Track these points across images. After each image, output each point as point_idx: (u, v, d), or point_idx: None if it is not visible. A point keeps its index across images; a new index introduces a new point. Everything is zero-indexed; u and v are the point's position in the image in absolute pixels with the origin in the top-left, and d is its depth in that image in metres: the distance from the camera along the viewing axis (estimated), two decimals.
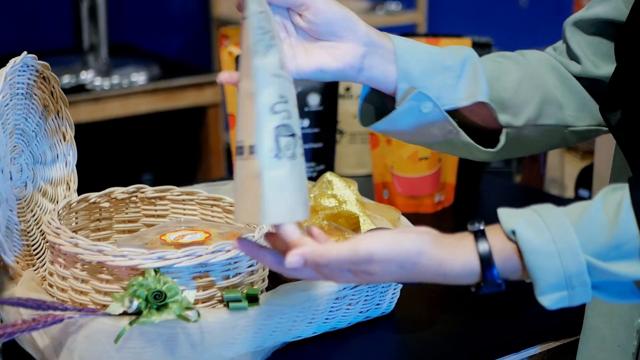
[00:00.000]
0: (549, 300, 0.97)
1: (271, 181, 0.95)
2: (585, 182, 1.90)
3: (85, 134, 2.91)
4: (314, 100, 1.67)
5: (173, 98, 2.84)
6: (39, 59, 1.25)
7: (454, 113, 1.17)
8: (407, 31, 3.09)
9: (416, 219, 1.67)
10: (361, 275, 0.97)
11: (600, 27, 1.22)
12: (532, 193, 1.90)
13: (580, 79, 1.23)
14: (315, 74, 1.11)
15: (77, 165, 1.34)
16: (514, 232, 0.96)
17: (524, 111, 1.19)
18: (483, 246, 0.98)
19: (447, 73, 1.15)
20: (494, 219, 1.76)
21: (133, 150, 3.13)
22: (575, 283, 0.96)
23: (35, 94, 1.26)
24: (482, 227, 0.99)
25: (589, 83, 1.23)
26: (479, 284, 0.99)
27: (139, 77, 2.81)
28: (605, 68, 1.21)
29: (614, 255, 0.95)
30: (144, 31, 3.37)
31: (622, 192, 0.97)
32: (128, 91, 2.76)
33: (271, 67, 1.00)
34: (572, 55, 1.24)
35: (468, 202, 1.79)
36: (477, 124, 1.21)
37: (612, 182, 1.20)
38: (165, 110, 2.84)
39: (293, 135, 1.00)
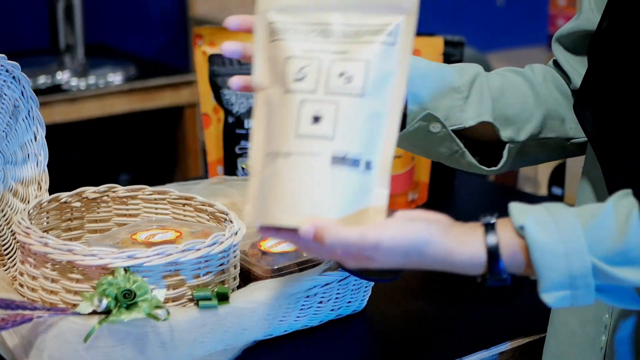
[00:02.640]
0: (551, 298, 0.97)
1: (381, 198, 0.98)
2: (558, 180, 1.91)
3: (62, 134, 2.91)
4: None
5: (150, 98, 2.83)
6: (15, 59, 1.25)
7: (460, 130, 1.22)
8: None
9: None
10: (362, 259, 0.98)
11: (576, 40, 1.25)
12: (506, 191, 1.91)
13: (574, 92, 1.26)
14: None
15: (53, 166, 1.34)
16: (522, 228, 0.97)
17: (527, 126, 1.23)
18: (491, 239, 0.98)
19: (456, 95, 1.20)
20: (467, 217, 1.77)
21: (110, 150, 3.13)
22: (580, 284, 0.97)
23: (5, 94, 1.26)
24: (493, 221, 0.99)
25: None
26: (484, 276, 0.99)
27: (116, 78, 2.80)
28: None
29: (620, 261, 0.96)
30: (120, 31, 3.36)
31: (633, 200, 0.98)
32: (104, 91, 2.75)
33: None
34: (561, 71, 1.27)
35: (442, 200, 1.80)
36: (481, 138, 1.24)
37: (583, 180, 1.22)
38: (142, 111, 2.84)
39: None
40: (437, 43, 1.68)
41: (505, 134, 1.22)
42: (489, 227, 0.99)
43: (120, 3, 3.35)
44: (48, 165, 1.33)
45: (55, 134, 2.71)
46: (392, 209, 1.68)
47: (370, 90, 0.98)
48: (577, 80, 1.24)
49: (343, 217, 0.96)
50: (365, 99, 0.98)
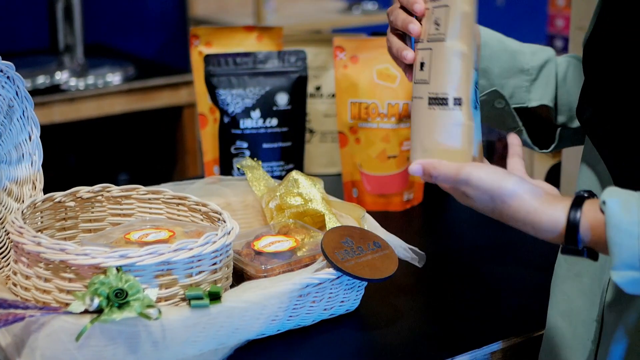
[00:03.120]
0: (620, 277, 0.98)
1: (470, 130, 1.10)
2: (553, 179, 1.91)
3: (61, 134, 2.91)
4: (282, 99, 1.68)
5: (148, 98, 2.84)
6: (14, 59, 1.25)
7: (522, 108, 1.33)
8: (384, 31, 3.10)
9: (385, 217, 1.68)
10: (461, 196, 1.08)
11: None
12: None
13: None
14: None
15: (52, 166, 1.34)
16: (604, 203, 0.99)
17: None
18: (575, 209, 1.01)
19: (524, 76, 1.31)
20: (463, 217, 1.78)
21: (109, 150, 3.13)
22: None
23: None
24: (586, 195, 1.02)
25: None
26: (563, 245, 1.03)
27: (114, 78, 2.81)
28: None
29: None
30: (120, 32, 3.37)
31: None
32: (103, 91, 2.76)
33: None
34: None
35: (437, 201, 1.80)
36: (541, 118, 1.34)
37: (580, 180, 1.22)
38: (140, 111, 2.84)
39: (476, 86, 1.14)
40: None
41: (560, 119, 1.32)
42: (578, 200, 1.02)
43: (119, 3, 3.36)
44: (47, 165, 1.33)
45: (54, 134, 2.73)
46: (387, 210, 1.70)
47: (450, 33, 1.11)
48: None
49: (445, 149, 1.11)
50: (448, 41, 1.11)
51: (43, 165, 1.32)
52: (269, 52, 1.70)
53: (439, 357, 1.25)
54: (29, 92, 1.28)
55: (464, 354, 1.26)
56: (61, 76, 2.76)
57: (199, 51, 1.79)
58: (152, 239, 1.24)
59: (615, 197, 0.99)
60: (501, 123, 1.34)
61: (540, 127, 1.36)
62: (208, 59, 1.69)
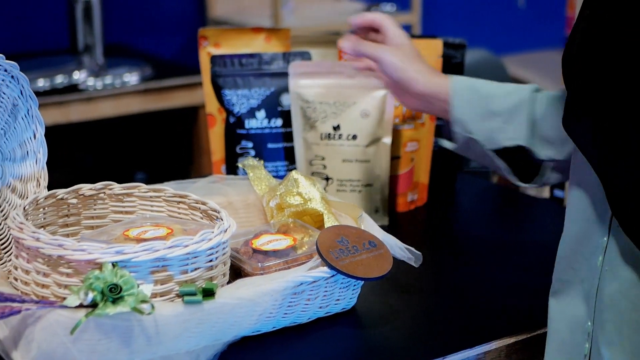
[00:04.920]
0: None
1: None
2: (560, 183, 1.92)
3: (78, 133, 2.95)
4: (287, 100, 1.70)
5: (165, 98, 2.87)
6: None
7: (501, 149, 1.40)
8: None
9: (390, 217, 1.70)
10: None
11: None
12: (508, 193, 1.92)
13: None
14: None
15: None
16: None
17: (567, 146, 1.33)
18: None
19: (497, 118, 1.36)
20: (467, 219, 1.79)
21: (125, 149, 3.16)
22: None
23: (3, 93, 1.29)
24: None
25: None
26: None
27: (132, 78, 2.84)
28: None
29: None
30: (139, 33, 3.40)
31: None
32: (120, 91, 2.79)
33: None
34: None
35: (442, 202, 1.81)
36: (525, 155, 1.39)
37: (574, 179, 1.23)
38: (157, 111, 2.88)
39: None
40: (436, 45, 1.70)
41: (545, 153, 1.36)
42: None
43: (139, 5, 3.40)
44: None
45: (72, 133, 2.76)
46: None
47: None
48: None
49: None
50: None
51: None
52: (275, 53, 1.72)
53: (434, 356, 1.26)
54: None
55: (460, 352, 1.27)
56: (79, 76, 2.79)
57: (207, 52, 1.82)
58: (150, 236, 1.26)
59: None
60: (488, 163, 1.41)
61: (528, 163, 1.41)
62: (214, 59, 1.71)
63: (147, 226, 1.30)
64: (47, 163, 1.37)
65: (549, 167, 1.39)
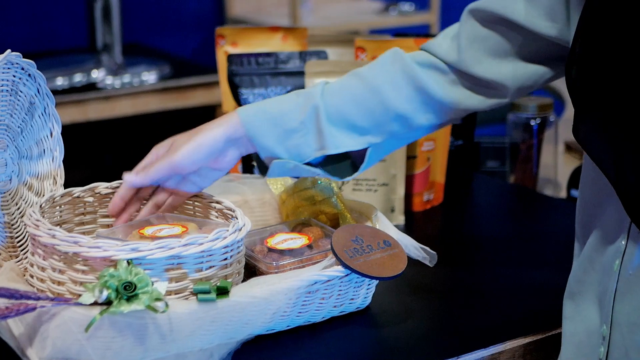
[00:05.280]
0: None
1: None
2: (577, 182, 1.91)
3: (96, 132, 2.96)
4: None
5: (183, 97, 2.88)
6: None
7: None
8: (420, 32, 3.11)
9: (406, 217, 1.70)
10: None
11: (499, 23, 1.29)
12: (525, 193, 1.91)
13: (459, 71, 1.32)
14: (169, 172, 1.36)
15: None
16: None
17: (382, 129, 1.32)
18: None
19: (295, 134, 1.31)
20: (483, 219, 1.78)
21: (143, 148, 3.17)
22: None
23: (20, 91, 1.30)
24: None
25: (468, 78, 1.32)
26: None
27: (150, 76, 2.85)
28: (486, 65, 1.30)
29: None
30: (157, 31, 3.41)
31: None
32: (138, 90, 2.80)
33: None
34: (457, 45, 1.32)
35: (459, 202, 1.81)
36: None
37: (583, 176, 1.23)
38: (175, 109, 2.88)
39: None
40: None
41: (364, 140, 1.32)
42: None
43: (157, 3, 3.41)
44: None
45: (90, 132, 2.78)
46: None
47: None
48: (469, 62, 1.30)
49: None
50: None
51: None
52: (291, 52, 1.72)
53: (449, 355, 1.26)
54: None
55: (474, 352, 1.27)
56: (98, 74, 2.81)
57: (224, 51, 1.82)
58: (164, 234, 1.27)
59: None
60: (308, 174, 1.35)
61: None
62: (231, 58, 1.72)
63: (162, 224, 1.31)
64: (64, 161, 1.38)
65: (372, 151, 1.33)
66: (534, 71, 1.30)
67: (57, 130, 1.37)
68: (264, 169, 1.34)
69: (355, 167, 1.34)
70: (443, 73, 1.32)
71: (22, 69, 1.29)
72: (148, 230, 1.28)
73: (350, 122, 1.32)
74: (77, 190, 1.36)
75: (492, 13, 1.28)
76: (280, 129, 1.31)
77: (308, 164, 1.32)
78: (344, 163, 1.35)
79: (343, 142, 1.32)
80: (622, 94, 1.07)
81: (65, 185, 1.38)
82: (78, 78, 2.76)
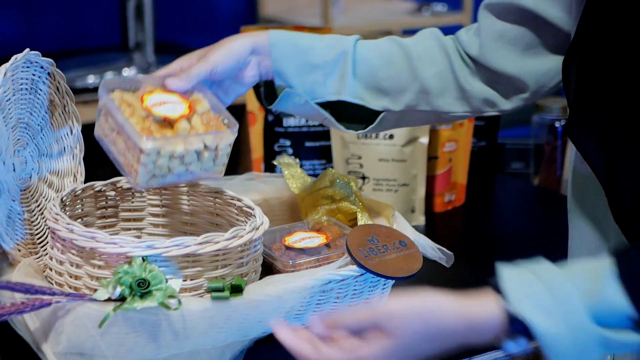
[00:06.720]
0: None
1: None
2: None
3: None
4: None
5: None
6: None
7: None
8: (453, 32, 3.09)
9: (426, 217, 1.70)
10: (380, 339, 0.99)
11: (513, 13, 1.29)
12: (547, 195, 1.90)
13: (478, 64, 1.32)
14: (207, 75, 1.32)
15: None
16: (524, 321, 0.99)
17: (402, 98, 1.32)
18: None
19: (317, 71, 1.31)
20: (505, 221, 1.78)
21: None
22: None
23: (40, 89, 1.32)
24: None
25: (486, 71, 1.32)
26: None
27: None
28: (506, 60, 1.30)
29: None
30: (190, 30, 3.43)
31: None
32: None
33: None
34: (479, 41, 1.31)
35: (480, 203, 1.81)
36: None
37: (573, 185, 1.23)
38: None
39: None
40: None
41: (381, 103, 1.32)
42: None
43: (190, 2, 3.42)
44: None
45: None
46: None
47: None
48: (490, 56, 1.30)
49: None
50: None
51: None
52: None
53: (464, 356, 1.26)
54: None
55: (489, 352, 1.27)
56: (129, 73, 2.82)
57: None
58: (160, 112, 1.24)
59: (528, 304, 1.01)
60: (313, 115, 1.35)
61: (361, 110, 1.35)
62: None
63: (170, 97, 1.28)
64: (88, 159, 1.39)
65: (386, 117, 1.33)
66: (551, 66, 1.29)
67: (77, 128, 1.39)
68: (270, 100, 1.35)
69: (360, 126, 1.35)
70: (467, 65, 1.33)
71: (42, 67, 1.31)
72: (150, 99, 1.25)
73: (374, 79, 1.32)
74: (98, 184, 1.37)
75: (505, 4, 1.29)
76: (304, 60, 1.31)
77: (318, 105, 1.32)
78: (351, 115, 1.35)
79: (361, 95, 1.32)
80: (626, 98, 1.06)
81: (87, 182, 1.39)
82: (109, 76, 2.78)
